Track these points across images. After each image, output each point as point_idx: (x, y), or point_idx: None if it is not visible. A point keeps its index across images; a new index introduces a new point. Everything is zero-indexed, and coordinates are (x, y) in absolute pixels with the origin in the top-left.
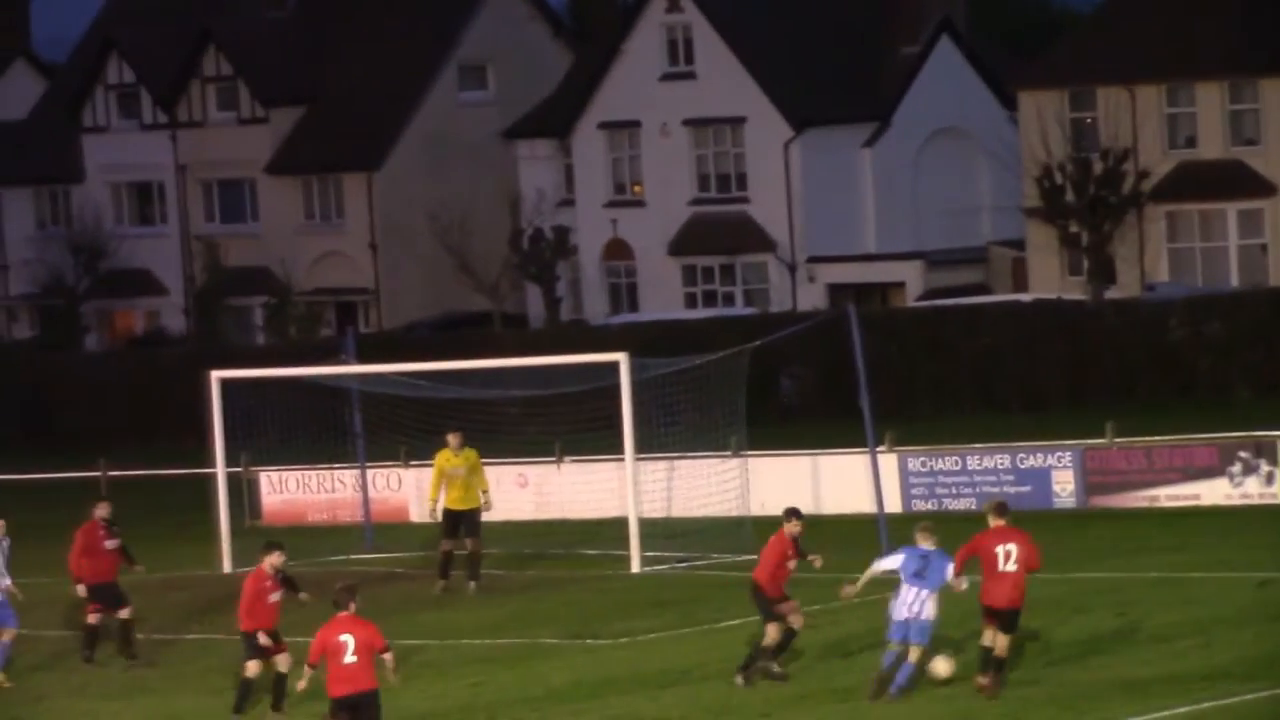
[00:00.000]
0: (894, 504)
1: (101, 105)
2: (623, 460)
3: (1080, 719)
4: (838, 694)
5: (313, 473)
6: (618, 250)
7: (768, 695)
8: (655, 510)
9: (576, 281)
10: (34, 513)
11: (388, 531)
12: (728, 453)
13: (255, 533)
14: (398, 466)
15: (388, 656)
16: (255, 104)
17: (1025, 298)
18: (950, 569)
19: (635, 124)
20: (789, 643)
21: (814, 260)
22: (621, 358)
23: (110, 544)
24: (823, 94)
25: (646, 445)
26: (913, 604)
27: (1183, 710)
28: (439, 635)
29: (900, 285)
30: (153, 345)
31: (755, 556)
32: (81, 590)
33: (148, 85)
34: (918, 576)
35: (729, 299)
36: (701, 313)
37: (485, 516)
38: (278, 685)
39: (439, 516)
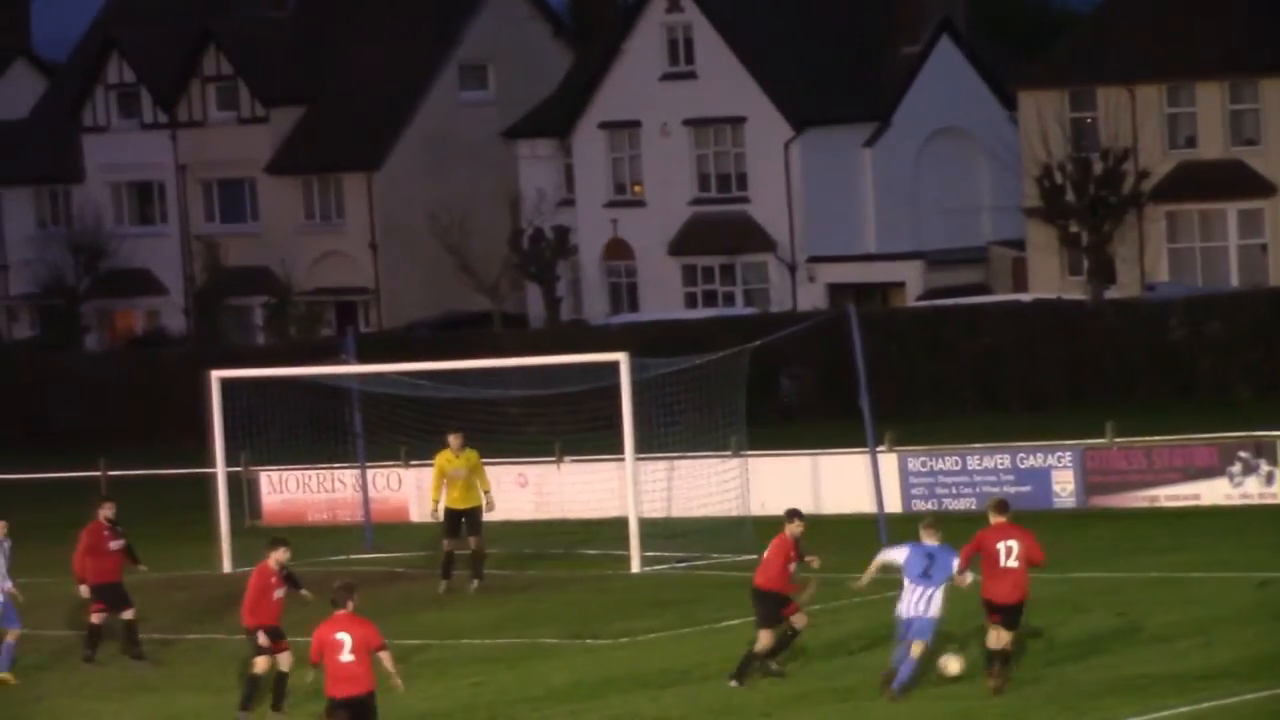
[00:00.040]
0: (894, 504)
1: (102, 105)
2: (623, 460)
3: (1081, 718)
4: (838, 693)
5: (313, 472)
6: (618, 250)
7: (768, 695)
8: (655, 510)
9: (577, 281)
10: (34, 513)
11: (388, 531)
12: (728, 453)
13: (255, 533)
14: (398, 466)
15: (384, 655)
16: (255, 104)
17: (1025, 298)
18: (955, 563)
19: (635, 124)
20: (790, 642)
21: (814, 260)
22: (622, 358)
23: (114, 544)
24: (823, 94)
25: (646, 445)
26: (918, 602)
27: (1183, 710)
28: (439, 635)
29: (900, 285)
30: (153, 345)
31: (755, 557)
32: (85, 591)
33: (148, 85)
34: (924, 576)
35: (729, 299)
36: (702, 313)
37: (485, 517)
38: (278, 685)
39: (440, 517)
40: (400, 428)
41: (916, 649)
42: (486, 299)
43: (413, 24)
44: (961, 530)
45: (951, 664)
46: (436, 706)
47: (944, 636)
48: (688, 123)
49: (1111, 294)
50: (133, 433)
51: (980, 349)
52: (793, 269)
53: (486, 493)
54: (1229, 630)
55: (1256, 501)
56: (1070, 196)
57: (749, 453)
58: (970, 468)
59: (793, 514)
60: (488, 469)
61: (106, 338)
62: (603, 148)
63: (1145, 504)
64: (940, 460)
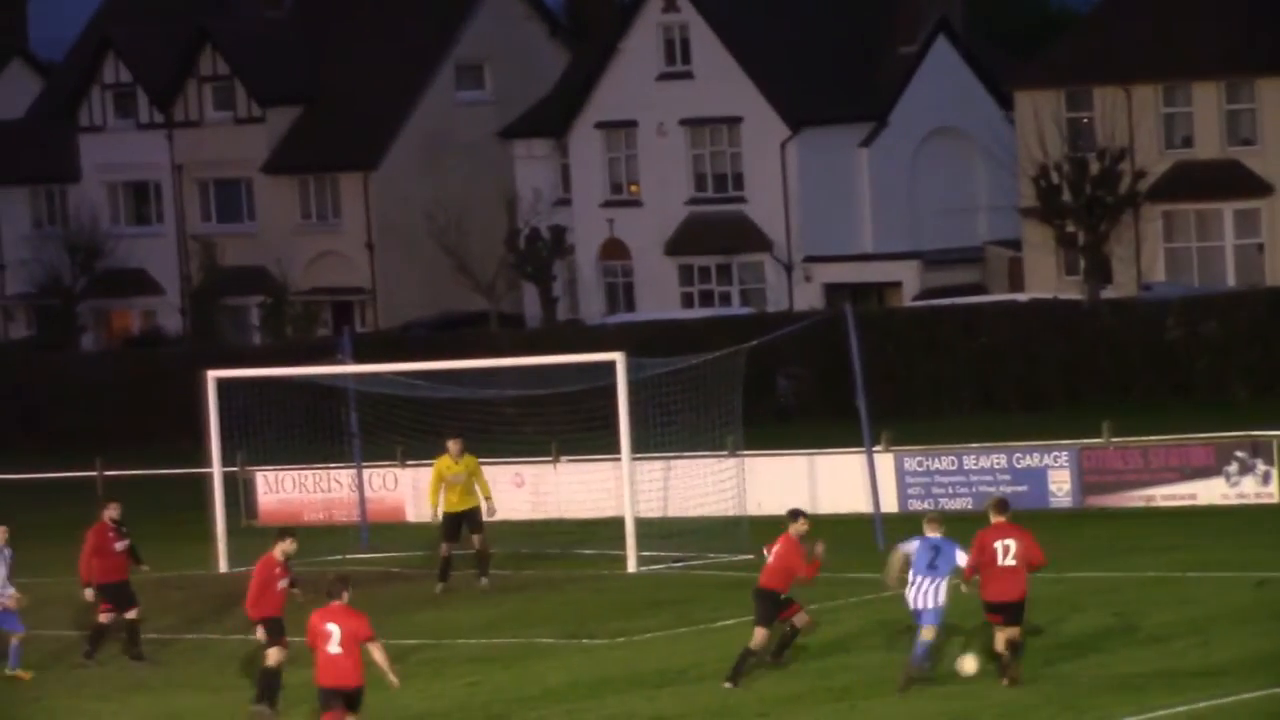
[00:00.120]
0: (890, 504)
1: (98, 105)
2: (619, 460)
3: (1078, 718)
4: (834, 693)
5: (309, 472)
6: (614, 250)
7: (764, 695)
8: (652, 510)
9: (573, 281)
10: (31, 512)
11: (384, 531)
12: (724, 452)
13: (251, 532)
14: (394, 466)
15: (373, 647)
16: (252, 103)
17: (1022, 297)
18: (959, 553)
19: (632, 124)
20: (792, 641)
21: (811, 260)
22: (618, 357)
23: (119, 545)
24: (819, 94)
25: (643, 445)
26: (927, 592)
27: (1180, 709)
28: (435, 635)
29: (897, 285)
30: (149, 345)
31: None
32: (90, 594)
33: (144, 85)
34: (930, 567)
35: (725, 299)
36: (698, 312)
37: (484, 519)
38: (263, 681)
39: (440, 519)
40: (396, 427)
41: (927, 633)
42: (483, 299)
43: (409, 24)
44: (958, 530)
45: (968, 663)
46: (433, 706)
47: (951, 630)
48: (684, 122)
49: (1108, 294)
50: (129, 433)
51: (977, 349)
52: (789, 269)
53: (488, 499)
54: (1226, 630)
55: (1253, 501)
56: (1067, 196)
57: (745, 453)
58: (967, 467)
59: (796, 513)
60: (485, 469)
61: (103, 338)
62: (599, 147)
63: (1142, 504)
64: (936, 460)
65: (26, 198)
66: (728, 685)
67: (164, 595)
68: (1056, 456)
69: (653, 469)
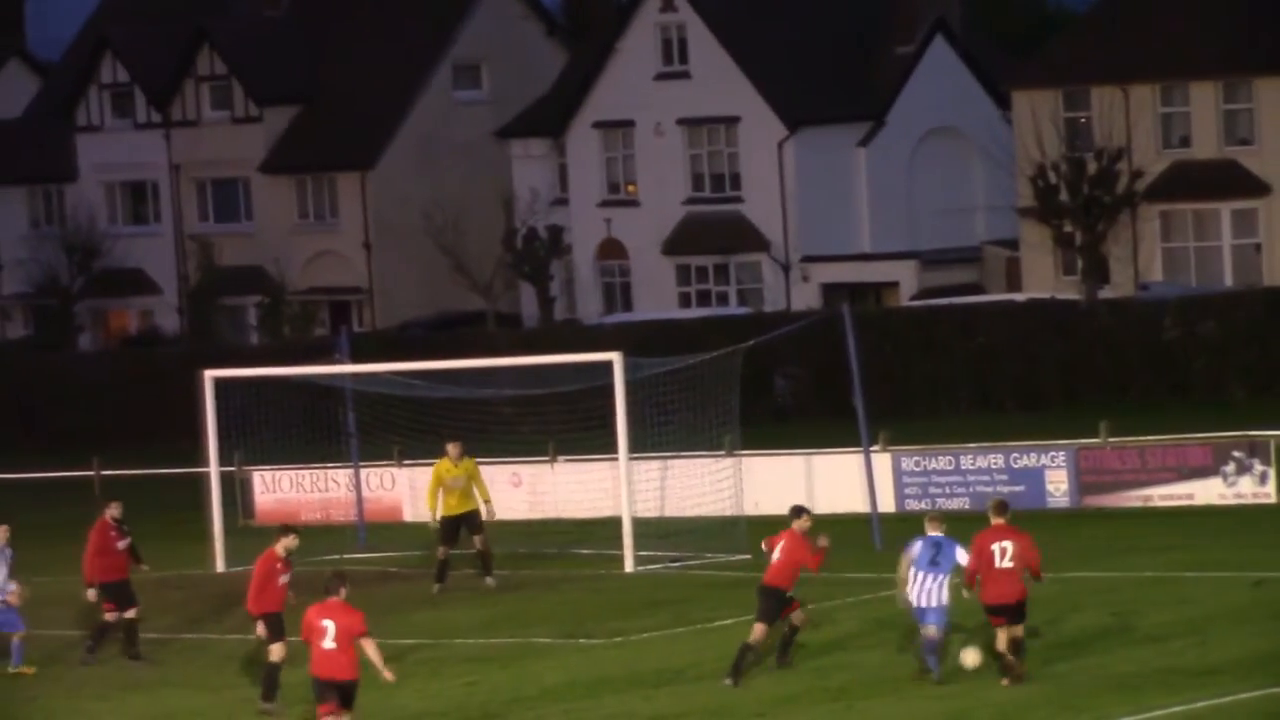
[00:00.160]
0: (887, 504)
1: (95, 104)
2: (616, 460)
3: (1075, 718)
4: (831, 693)
5: (306, 472)
6: (612, 250)
7: (761, 695)
8: (649, 510)
9: (570, 281)
10: (29, 512)
11: (381, 531)
12: (721, 452)
13: (248, 532)
14: (391, 466)
15: (366, 643)
16: (249, 103)
17: (1019, 297)
18: (960, 550)
19: (629, 123)
20: (793, 639)
21: (808, 260)
22: (615, 357)
23: (121, 543)
24: (817, 93)
25: (640, 445)
26: (930, 590)
27: (1177, 709)
28: (433, 634)
29: (894, 285)
30: (147, 345)
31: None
32: (92, 595)
33: (142, 84)
34: (932, 564)
35: (723, 298)
36: (695, 312)
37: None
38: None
39: (438, 524)
40: (394, 427)
41: (930, 631)
42: (480, 298)
43: (407, 23)
44: (957, 530)
45: (971, 656)
46: (430, 706)
47: (954, 628)
48: (681, 122)
49: (1105, 294)
50: (126, 432)
51: (974, 349)
52: (786, 269)
53: (487, 503)
54: (1223, 630)
55: (1250, 501)
56: (1064, 196)
57: (743, 452)
58: (964, 467)
59: (799, 510)
60: (482, 468)
61: (100, 337)
62: (596, 147)
63: (1139, 504)
64: (934, 460)
65: (24, 197)
66: (728, 682)
67: (161, 595)
68: (1054, 456)
69: (650, 469)
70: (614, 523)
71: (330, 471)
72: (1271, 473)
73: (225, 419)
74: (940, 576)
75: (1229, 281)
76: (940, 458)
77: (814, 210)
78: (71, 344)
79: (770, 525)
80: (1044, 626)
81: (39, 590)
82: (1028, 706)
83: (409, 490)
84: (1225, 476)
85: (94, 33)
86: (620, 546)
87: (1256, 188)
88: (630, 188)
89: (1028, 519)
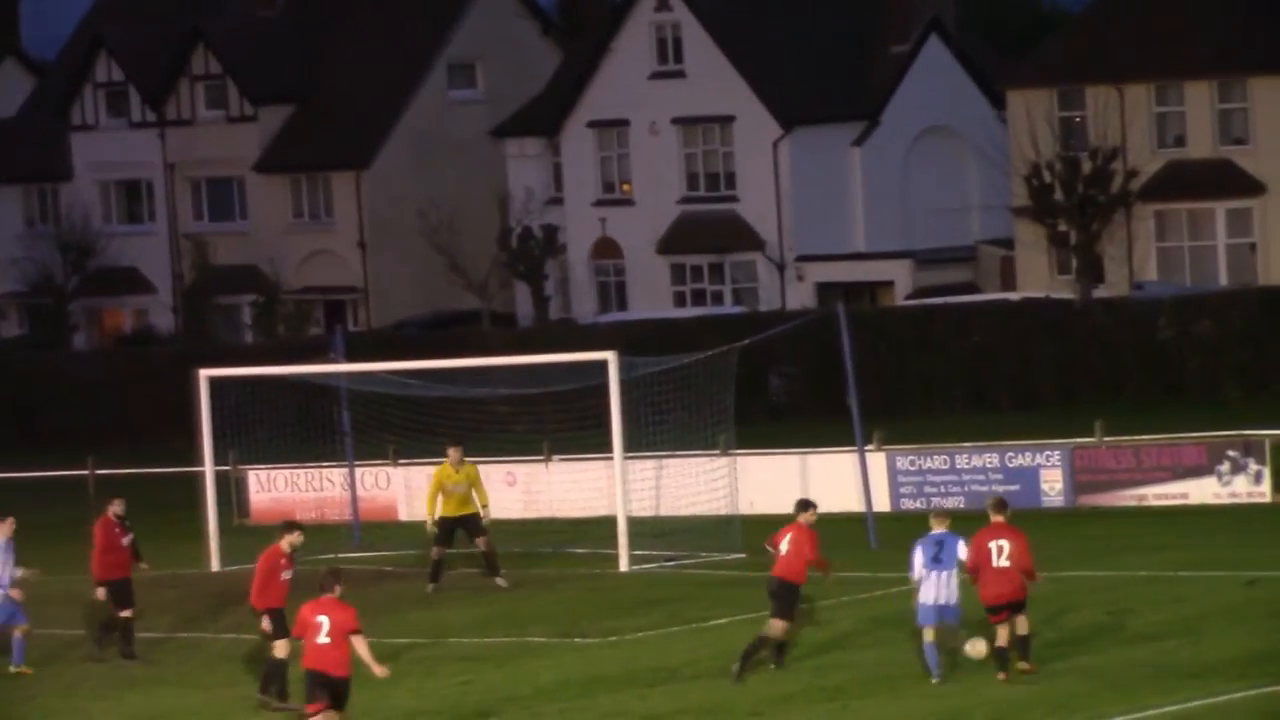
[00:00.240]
0: (882, 503)
1: (90, 103)
2: (611, 459)
3: (1069, 717)
4: (827, 692)
5: (301, 471)
6: (606, 249)
7: (757, 694)
8: (644, 509)
9: (565, 280)
10: (25, 512)
11: (376, 530)
12: (716, 451)
13: (243, 531)
14: (386, 465)
15: (358, 639)
16: (244, 102)
17: (1014, 297)
18: (961, 544)
19: (624, 123)
20: (785, 644)
21: (803, 259)
22: (610, 356)
23: (125, 540)
24: (812, 93)
25: (635, 444)
26: (939, 588)
27: (1171, 708)
28: (427, 634)
29: (889, 284)
30: (141, 344)
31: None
32: (102, 593)
33: (136, 83)
34: (935, 560)
35: (718, 298)
36: (690, 311)
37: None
38: (272, 671)
39: (435, 528)
40: (389, 426)
41: (930, 635)
42: (475, 298)
43: (401, 23)
44: (954, 529)
45: (977, 646)
46: (425, 705)
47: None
48: (676, 121)
49: (1100, 293)
50: (121, 431)
51: (969, 348)
52: (781, 268)
53: (485, 507)
54: (1217, 629)
55: (1245, 500)
56: (1059, 195)
57: (737, 451)
58: (959, 466)
59: (805, 504)
60: (477, 467)
61: (95, 336)
62: (591, 146)
63: (1134, 503)
64: (929, 459)
65: (18, 196)
66: (735, 668)
67: (156, 594)
68: (1049, 456)
69: (645, 468)
70: (609, 522)
71: (325, 471)
72: (1266, 472)
73: (220, 418)
74: (945, 572)
75: (1224, 281)
76: (935, 457)
77: (809, 209)
78: (66, 343)
79: (765, 524)
80: (1039, 625)
81: (38, 590)
82: (1023, 705)
83: (404, 489)
84: (1220, 476)
85: (89, 32)
86: (615, 545)
87: (1251, 187)
88: (625, 187)
89: (1023, 518)
